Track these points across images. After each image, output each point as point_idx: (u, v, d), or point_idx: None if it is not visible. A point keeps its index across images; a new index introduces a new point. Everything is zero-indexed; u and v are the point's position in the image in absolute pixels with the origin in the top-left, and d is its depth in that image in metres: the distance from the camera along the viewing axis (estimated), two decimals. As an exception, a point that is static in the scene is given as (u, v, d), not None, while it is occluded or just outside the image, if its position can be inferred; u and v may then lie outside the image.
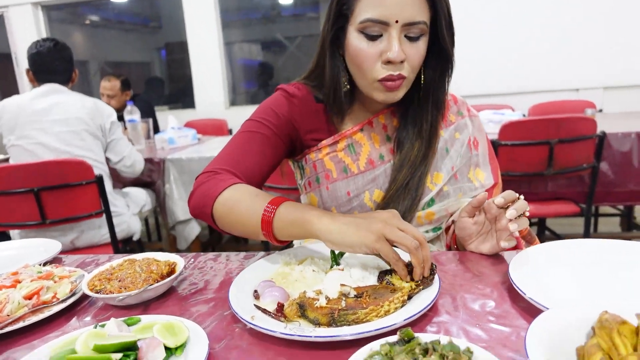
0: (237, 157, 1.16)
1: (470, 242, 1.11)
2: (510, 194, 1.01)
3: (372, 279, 0.93)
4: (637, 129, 2.78)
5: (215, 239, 4.20)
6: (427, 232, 1.24)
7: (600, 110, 4.48)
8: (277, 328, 0.77)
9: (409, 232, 0.87)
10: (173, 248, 3.43)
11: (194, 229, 3.34)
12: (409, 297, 0.85)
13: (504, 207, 1.02)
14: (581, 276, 0.91)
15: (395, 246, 0.88)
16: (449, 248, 1.27)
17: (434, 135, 1.23)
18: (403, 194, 1.20)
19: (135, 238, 2.94)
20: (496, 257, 1.07)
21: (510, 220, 0.98)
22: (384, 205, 1.20)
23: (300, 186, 1.34)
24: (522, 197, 1.03)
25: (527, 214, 1.01)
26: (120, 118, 3.80)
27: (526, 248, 1.06)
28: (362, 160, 1.21)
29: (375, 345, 0.64)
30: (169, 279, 0.98)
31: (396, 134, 1.24)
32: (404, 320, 0.76)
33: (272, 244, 1.03)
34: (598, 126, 2.66)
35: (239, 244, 4.15)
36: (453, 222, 1.22)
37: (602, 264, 0.95)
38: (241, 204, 1.04)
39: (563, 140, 2.57)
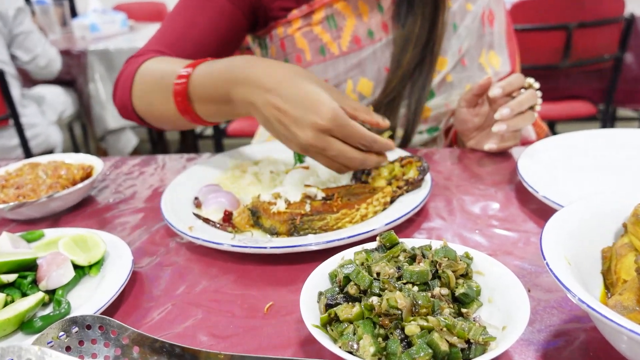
0: (177, 34, 1.03)
1: (470, 137, 1.05)
2: (514, 81, 0.92)
3: (345, 179, 0.87)
4: (673, 11, 2.71)
5: (160, 152, 4.09)
6: (420, 132, 1.17)
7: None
8: (223, 240, 0.72)
9: (347, 144, 0.76)
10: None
11: (130, 141, 3.21)
12: (392, 201, 0.80)
13: (511, 96, 0.95)
14: (603, 171, 0.87)
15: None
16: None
17: (443, 3, 1.07)
18: (410, 86, 1.08)
19: (56, 152, 2.81)
20: (502, 154, 1.02)
21: (498, 120, 0.91)
22: (386, 104, 1.08)
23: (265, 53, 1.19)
24: (535, 84, 0.95)
25: (538, 107, 0.95)
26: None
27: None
28: (345, 38, 1.08)
29: (348, 254, 0.59)
30: (81, 184, 0.90)
31: (394, 2, 1.08)
32: (386, 225, 0.71)
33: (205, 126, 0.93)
34: (626, 7, 2.57)
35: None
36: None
37: (625, 156, 0.91)
38: (154, 82, 0.92)
39: (584, 24, 2.48)
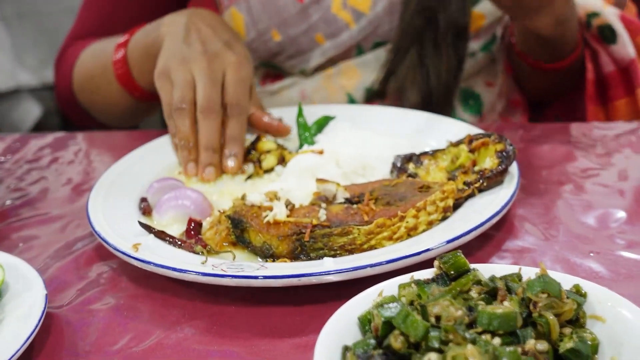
0: (105, 14, 1.30)
1: None
2: None
3: (381, 171, 0.89)
4: None
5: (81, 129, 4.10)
6: (472, 54, 1.23)
7: None
8: (187, 265, 0.73)
9: (213, 86, 0.93)
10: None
11: (30, 111, 3.24)
12: (456, 205, 0.81)
13: None
14: None
15: None
16: (511, 74, 1.26)
17: None
18: None
19: None
20: (632, 132, 1.04)
21: None
22: (414, 32, 1.15)
23: (217, 2, 1.33)
24: None
25: None
26: None
27: None
28: None
29: (389, 287, 0.60)
30: (-38, 177, 0.92)
31: None
32: (447, 243, 0.72)
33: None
34: None
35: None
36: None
37: None
38: (94, 64, 1.22)
39: None
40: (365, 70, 1.20)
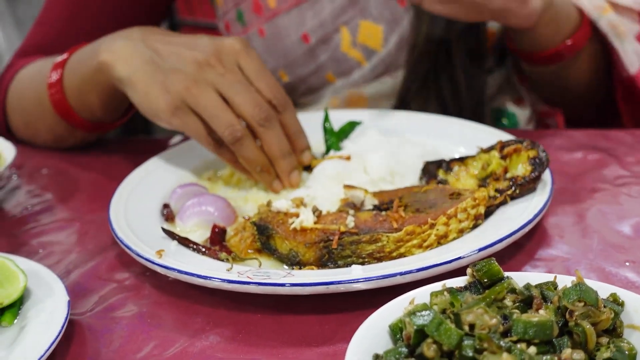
0: (61, 28, 1.22)
1: None
2: None
3: (409, 177, 0.90)
4: None
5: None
6: (491, 72, 1.24)
7: None
8: (212, 272, 0.74)
9: (249, 91, 0.89)
10: None
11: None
12: (488, 213, 0.81)
13: None
14: None
15: None
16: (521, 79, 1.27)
17: None
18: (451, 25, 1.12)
19: None
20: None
21: None
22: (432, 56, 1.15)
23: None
24: None
25: None
26: None
27: None
28: None
29: (421, 295, 0.60)
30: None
31: None
32: (479, 251, 0.73)
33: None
34: None
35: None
36: None
37: None
38: (29, 84, 1.14)
39: None
40: (372, 98, 1.21)
